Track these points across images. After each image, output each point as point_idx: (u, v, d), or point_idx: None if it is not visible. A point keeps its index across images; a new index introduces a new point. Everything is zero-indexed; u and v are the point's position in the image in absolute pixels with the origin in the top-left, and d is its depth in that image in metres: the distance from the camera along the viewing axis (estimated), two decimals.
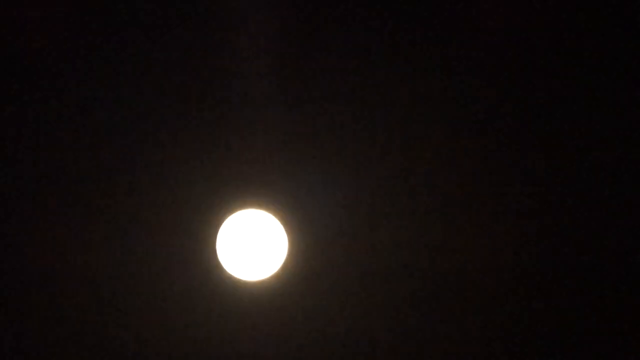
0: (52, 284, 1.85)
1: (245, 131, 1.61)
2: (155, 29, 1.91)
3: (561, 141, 2.14)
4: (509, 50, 2.04)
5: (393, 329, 1.85)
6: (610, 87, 2.13)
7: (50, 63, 1.92)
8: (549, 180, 2.14)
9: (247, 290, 1.52)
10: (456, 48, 2.03)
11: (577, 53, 2.12)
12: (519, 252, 2.09)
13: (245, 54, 1.90)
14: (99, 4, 1.93)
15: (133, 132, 1.78)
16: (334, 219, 1.63)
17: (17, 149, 1.90)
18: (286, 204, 1.48)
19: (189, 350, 1.58)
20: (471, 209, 2.06)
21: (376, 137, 1.94)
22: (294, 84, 1.88)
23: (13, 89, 1.94)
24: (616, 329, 2.17)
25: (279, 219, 1.42)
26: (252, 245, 1.45)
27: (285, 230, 1.42)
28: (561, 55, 2.12)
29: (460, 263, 2.04)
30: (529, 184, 2.13)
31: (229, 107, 1.73)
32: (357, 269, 1.64)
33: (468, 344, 2.05)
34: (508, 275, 2.08)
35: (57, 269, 1.83)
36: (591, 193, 2.14)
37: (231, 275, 1.48)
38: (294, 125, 1.71)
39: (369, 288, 1.71)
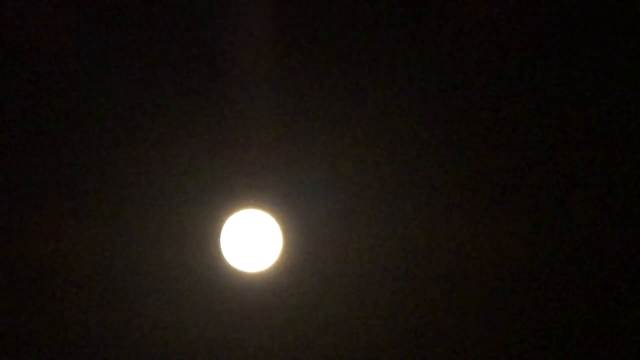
0: (65, 275, 1.93)
1: (248, 141, 1.74)
2: (161, 33, 1.93)
3: (556, 141, 2.15)
4: (505, 51, 2.06)
5: (377, 314, 1.95)
6: (599, 85, 2.12)
7: (57, 63, 1.95)
8: (545, 179, 2.16)
9: (247, 281, 1.70)
10: (453, 49, 2.04)
11: (571, 53, 2.11)
12: (514, 251, 2.13)
13: (246, 58, 1.93)
14: (101, 8, 1.93)
15: (147, 138, 1.84)
16: (325, 218, 1.78)
17: (35, 147, 1.96)
18: (281, 205, 1.64)
19: (195, 331, 1.75)
20: (462, 208, 2.10)
21: (368, 139, 1.99)
22: (292, 90, 1.93)
23: (22, 89, 1.96)
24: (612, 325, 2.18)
25: (274, 218, 1.62)
26: (251, 240, 1.65)
27: (280, 228, 1.62)
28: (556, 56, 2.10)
29: (449, 257, 2.08)
30: (524, 184, 2.14)
31: (235, 118, 1.84)
32: (344, 263, 1.79)
33: (455, 335, 2.11)
34: (499, 278, 2.13)
35: (72, 261, 1.91)
36: (587, 191, 2.16)
37: (233, 266, 1.66)
38: (292, 136, 1.83)
39: (356, 279, 1.85)
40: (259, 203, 1.63)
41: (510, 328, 2.16)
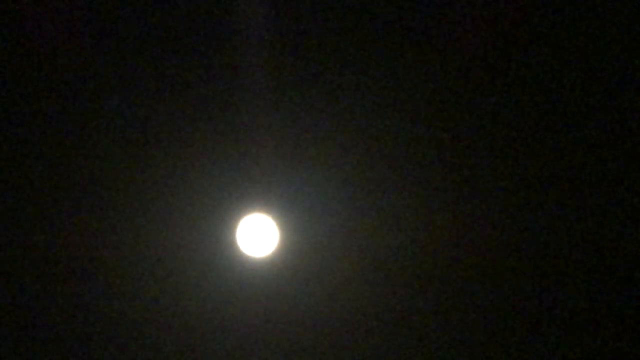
0: (101, 264, 2.19)
1: (255, 160, 2.17)
2: (176, 46, 2.07)
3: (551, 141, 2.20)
4: (501, 51, 2.09)
5: (359, 293, 2.27)
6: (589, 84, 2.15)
7: (82, 74, 2.09)
8: (541, 178, 2.24)
9: (254, 263, 2.23)
10: (450, 51, 2.09)
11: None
12: (509, 247, 2.25)
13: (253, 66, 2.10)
14: (110, 14, 2.04)
15: (174, 150, 2.13)
16: (310, 220, 2.21)
17: (61, 148, 2.15)
18: (278, 208, 2.17)
19: (215, 300, 2.22)
20: (451, 207, 2.24)
21: (356, 152, 2.20)
22: (290, 111, 2.14)
23: (39, 91, 2.11)
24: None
25: (272, 218, 2.16)
26: (257, 234, 2.20)
27: (277, 225, 2.16)
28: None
29: (436, 247, 2.24)
30: (516, 183, 2.23)
31: (248, 143, 2.16)
32: (327, 250, 2.24)
33: (439, 315, 2.29)
34: (487, 274, 2.27)
35: (111, 251, 2.18)
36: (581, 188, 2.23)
37: (244, 252, 2.20)
38: (288, 156, 2.18)
39: (335, 261, 2.25)
40: (262, 207, 2.19)
41: (503, 326, 2.30)
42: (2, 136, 2.11)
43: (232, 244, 2.20)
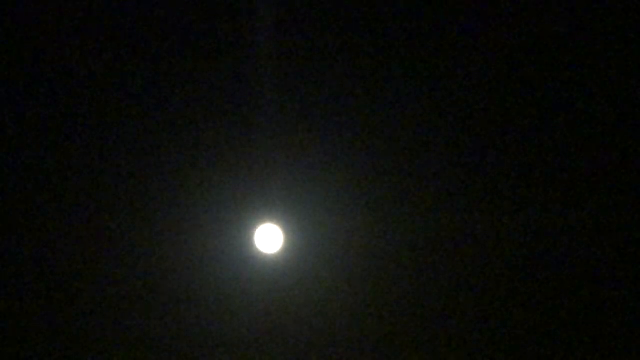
0: (133, 263, 2.54)
1: (266, 175, 2.61)
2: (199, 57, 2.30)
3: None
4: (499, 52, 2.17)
5: (351, 283, 2.66)
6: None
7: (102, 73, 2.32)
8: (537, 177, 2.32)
9: (266, 258, 2.72)
10: (451, 52, 2.16)
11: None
12: (504, 244, 2.36)
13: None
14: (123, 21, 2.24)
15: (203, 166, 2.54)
16: (314, 225, 2.68)
17: (92, 154, 2.45)
18: (284, 216, 2.67)
19: (233, 290, 2.66)
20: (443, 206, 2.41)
21: (354, 162, 2.50)
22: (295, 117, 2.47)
23: (58, 96, 2.33)
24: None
25: (279, 226, 2.70)
26: (267, 237, 2.72)
27: (282, 231, 2.71)
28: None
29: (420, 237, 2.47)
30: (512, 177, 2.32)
31: (264, 161, 2.56)
32: (324, 249, 2.69)
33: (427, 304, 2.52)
34: (486, 273, 2.40)
35: (143, 252, 2.53)
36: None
37: (259, 249, 2.72)
38: (292, 174, 2.61)
39: (334, 260, 2.69)
40: (271, 216, 2.70)
41: (502, 323, 2.46)
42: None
43: (247, 245, 2.75)
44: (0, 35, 2.25)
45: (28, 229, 2.53)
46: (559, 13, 2.09)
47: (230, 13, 2.33)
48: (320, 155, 2.59)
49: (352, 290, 2.73)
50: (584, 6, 2.08)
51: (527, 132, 2.32)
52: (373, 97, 2.46)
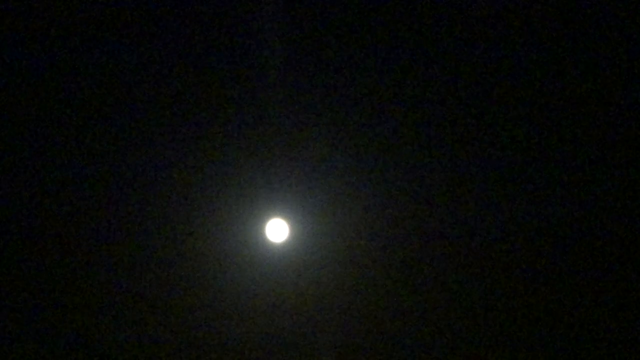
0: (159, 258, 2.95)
1: (274, 174, 3.01)
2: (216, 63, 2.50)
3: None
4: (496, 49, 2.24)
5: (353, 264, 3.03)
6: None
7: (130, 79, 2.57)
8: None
9: (274, 245, 3.14)
10: (451, 52, 2.22)
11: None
12: (495, 242, 2.51)
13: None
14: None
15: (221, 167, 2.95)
16: (318, 217, 3.08)
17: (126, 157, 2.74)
18: (290, 210, 3.09)
19: (245, 273, 3.08)
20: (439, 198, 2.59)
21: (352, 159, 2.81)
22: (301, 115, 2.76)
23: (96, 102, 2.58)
24: None
25: (284, 219, 3.15)
26: (277, 229, 3.20)
27: (287, 223, 3.16)
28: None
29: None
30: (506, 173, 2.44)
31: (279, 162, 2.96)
32: (325, 238, 3.10)
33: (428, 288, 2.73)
34: (482, 265, 2.56)
35: (169, 243, 2.94)
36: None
37: (268, 239, 3.18)
38: (298, 172, 3.01)
39: (334, 250, 3.08)
40: (279, 212, 3.14)
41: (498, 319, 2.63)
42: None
43: (258, 236, 3.17)
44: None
45: (48, 229, 2.87)
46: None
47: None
48: (322, 158, 2.98)
49: (351, 275, 3.13)
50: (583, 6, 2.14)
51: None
52: (374, 102, 2.68)
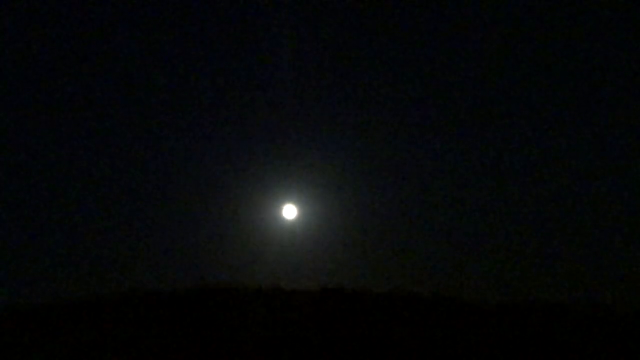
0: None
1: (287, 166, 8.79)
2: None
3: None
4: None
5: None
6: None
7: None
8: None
9: (287, 222, 10.50)
10: (452, 50, 5.37)
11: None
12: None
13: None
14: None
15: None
16: (320, 202, 9.27)
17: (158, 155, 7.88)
18: (299, 198, 9.45)
19: (264, 240, 9.56)
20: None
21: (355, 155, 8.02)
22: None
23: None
24: None
25: (296, 206, 10.53)
26: (290, 211, 11.00)
27: (296, 207, 10.63)
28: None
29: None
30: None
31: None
32: (330, 220, 9.44)
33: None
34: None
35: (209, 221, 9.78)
36: None
37: (283, 217, 10.75)
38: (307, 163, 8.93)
39: (334, 227, 8.94)
40: (291, 199, 9.37)
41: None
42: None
43: (276, 215, 8.25)
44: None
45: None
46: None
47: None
48: (322, 160, 7.54)
49: (345, 245, 7.57)
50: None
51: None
52: (375, 107, 6.05)
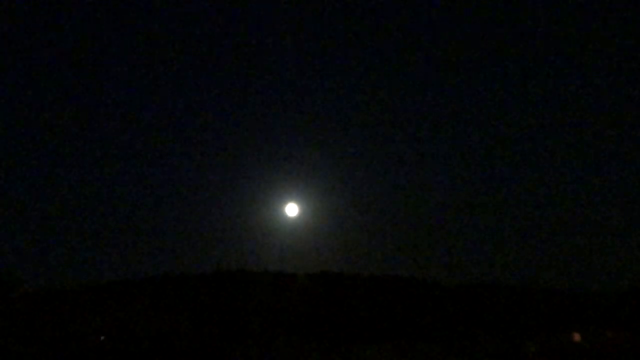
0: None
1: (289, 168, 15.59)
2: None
3: None
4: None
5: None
6: None
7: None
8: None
9: (289, 218, 16.53)
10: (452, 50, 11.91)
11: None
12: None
13: None
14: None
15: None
16: (318, 202, 15.29)
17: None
18: (300, 198, 15.54)
19: (270, 234, 16.06)
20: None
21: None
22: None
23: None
24: None
25: (295, 203, 17.11)
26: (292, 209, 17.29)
27: (297, 206, 17.14)
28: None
29: None
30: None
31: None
32: (327, 218, 15.60)
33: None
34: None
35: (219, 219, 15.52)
36: None
37: (286, 213, 17.15)
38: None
39: (330, 223, 15.08)
40: (293, 198, 16.29)
41: None
42: None
43: (280, 213, 14.96)
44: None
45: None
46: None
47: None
48: (323, 165, 15.74)
49: (335, 235, 14.69)
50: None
51: None
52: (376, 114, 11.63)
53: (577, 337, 21.52)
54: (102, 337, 22.15)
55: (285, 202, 16.51)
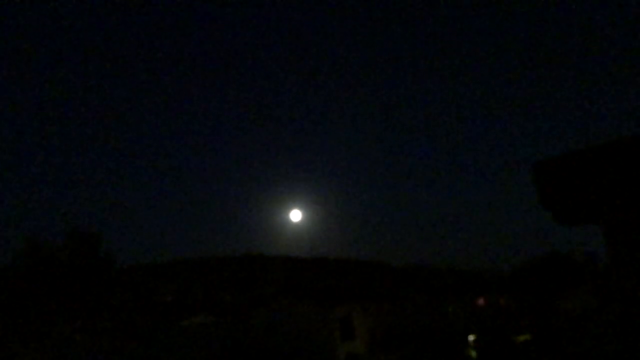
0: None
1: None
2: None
3: None
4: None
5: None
6: None
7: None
8: None
9: (293, 224, 30.40)
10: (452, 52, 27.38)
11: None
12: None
13: None
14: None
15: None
16: (320, 207, 33.22)
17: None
18: (303, 204, 31.15)
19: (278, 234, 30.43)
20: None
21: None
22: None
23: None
24: None
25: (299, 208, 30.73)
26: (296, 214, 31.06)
27: (301, 212, 30.81)
28: None
29: None
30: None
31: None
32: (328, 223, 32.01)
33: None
34: None
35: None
36: None
37: (290, 219, 31.00)
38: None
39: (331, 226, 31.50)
40: (297, 205, 31.30)
41: None
42: None
43: (286, 218, 32.82)
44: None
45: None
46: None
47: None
48: (323, 172, 30.63)
49: (339, 239, 31.11)
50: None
51: None
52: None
53: (481, 301, 32.89)
54: (170, 298, 34.87)
55: (290, 208, 26.41)
